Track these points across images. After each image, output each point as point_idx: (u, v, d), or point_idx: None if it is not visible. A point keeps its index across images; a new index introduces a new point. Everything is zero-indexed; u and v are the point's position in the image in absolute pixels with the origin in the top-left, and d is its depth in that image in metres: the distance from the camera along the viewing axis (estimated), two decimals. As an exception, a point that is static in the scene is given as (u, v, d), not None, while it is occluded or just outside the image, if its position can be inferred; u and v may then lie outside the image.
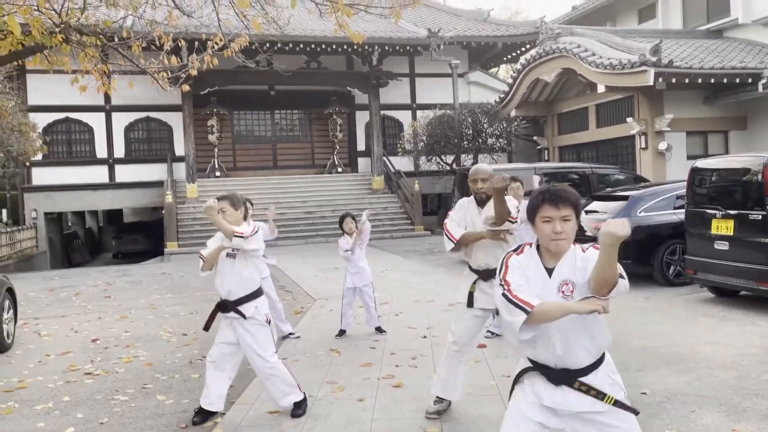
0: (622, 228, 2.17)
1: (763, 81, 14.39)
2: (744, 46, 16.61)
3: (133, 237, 25.23)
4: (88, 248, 27.64)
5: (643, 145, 15.74)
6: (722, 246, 7.35)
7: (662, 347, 5.80)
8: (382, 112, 22.36)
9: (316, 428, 4.16)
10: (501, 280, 2.52)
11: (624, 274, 2.38)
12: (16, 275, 13.50)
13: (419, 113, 22.86)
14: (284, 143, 23.60)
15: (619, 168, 14.74)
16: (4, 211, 20.90)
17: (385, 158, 22.11)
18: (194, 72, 8.34)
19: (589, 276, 2.39)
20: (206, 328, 4.54)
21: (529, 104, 19.67)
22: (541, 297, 2.44)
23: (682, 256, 8.48)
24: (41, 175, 20.50)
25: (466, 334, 4.28)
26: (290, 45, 18.93)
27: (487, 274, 4.16)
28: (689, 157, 14.73)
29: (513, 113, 19.77)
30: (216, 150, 21.79)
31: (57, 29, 7.11)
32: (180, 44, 10.00)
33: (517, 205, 4.26)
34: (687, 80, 14.38)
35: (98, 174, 21.02)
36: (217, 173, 21.51)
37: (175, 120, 21.12)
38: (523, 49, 24.11)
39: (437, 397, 4.36)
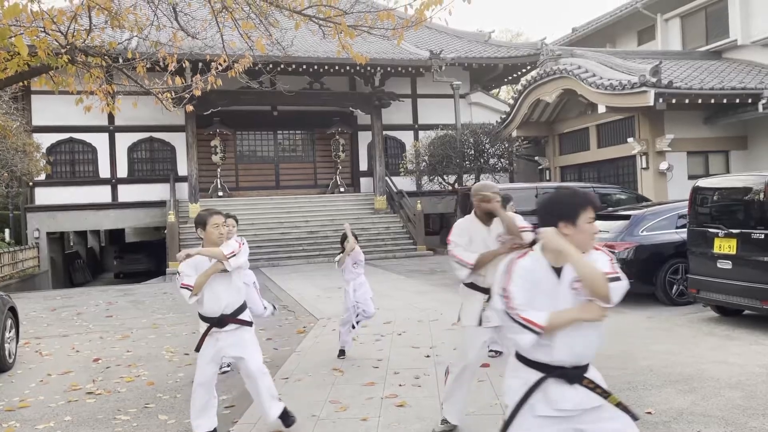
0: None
1: (763, 101, 14.49)
2: (743, 66, 16.75)
3: (135, 257, 25.24)
4: (90, 268, 27.62)
5: (644, 165, 15.80)
6: (725, 265, 7.33)
7: (667, 367, 5.76)
8: (385, 132, 22.49)
9: (320, 448, 4.13)
10: (503, 290, 2.51)
11: (618, 275, 2.44)
12: (17, 294, 13.49)
13: (421, 133, 22.98)
14: (287, 163, 23.71)
15: (620, 188, 14.77)
16: (7, 231, 20.93)
17: (387, 178, 22.19)
18: (198, 93, 8.41)
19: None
20: (198, 349, 4.44)
21: (531, 125, 19.79)
22: (553, 299, 2.47)
23: (685, 276, 8.45)
24: (44, 195, 20.57)
25: (479, 357, 4.26)
26: (293, 66, 19.11)
27: None
28: (690, 177, 14.77)
29: (514, 133, 19.87)
30: (219, 170, 21.88)
31: (63, 50, 7.20)
32: (184, 65, 10.10)
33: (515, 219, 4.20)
34: (687, 101, 14.48)
35: (101, 194, 21.10)
36: (220, 193, 21.57)
37: (178, 140, 21.25)
38: (524, 70, 24.32)
39: (445, 419, 4.31)
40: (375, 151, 21.89)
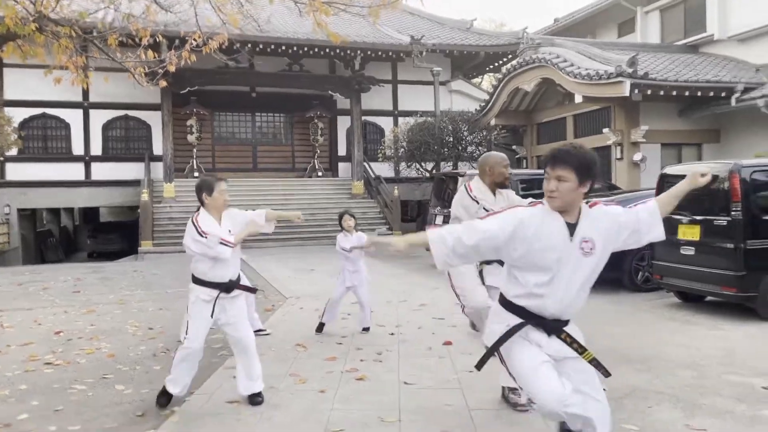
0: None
1: (737, 95, 14.66)
2: (719, 61, 16.92)
3: (109, 236, 24.91)
4: (63, 247, 27.21)
5: (618, 156, 15.93)
6: (688, 251, 7.45)
7: (626, 348, 5.85)
8: (364, 117, 22.39)
9: (275, 417, 4.13)
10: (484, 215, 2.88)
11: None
12: (-16, 270, 13.25)
13: (401, 120, 22.92)
14: (265, 146, 23.51)
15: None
16: (-23, 207, 20.52)
17: (365, 164, 22.13)
18: (172, 68, 8.28)
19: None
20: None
21: (509, 113, 19.82)
22: (558, 252, 2.64)
23: (651, 262, 8.57)
24: (15, 171, 20.16)
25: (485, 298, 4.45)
26: (272, 47, 18.91)
27: None
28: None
29: (493, 122, 19.90)
30: (195, 150, 21.63)
31: (31, 18, 7.04)
32: (158, 40, 9.92)
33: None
34: (662, 92, 14.59)
35: (74, 171, 20.73)
36: (196, 174, 21.31)
37: (154, 119, 20.93)
38: (506, 59, 24.29)
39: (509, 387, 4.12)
40: (354, 136, 21.80)
